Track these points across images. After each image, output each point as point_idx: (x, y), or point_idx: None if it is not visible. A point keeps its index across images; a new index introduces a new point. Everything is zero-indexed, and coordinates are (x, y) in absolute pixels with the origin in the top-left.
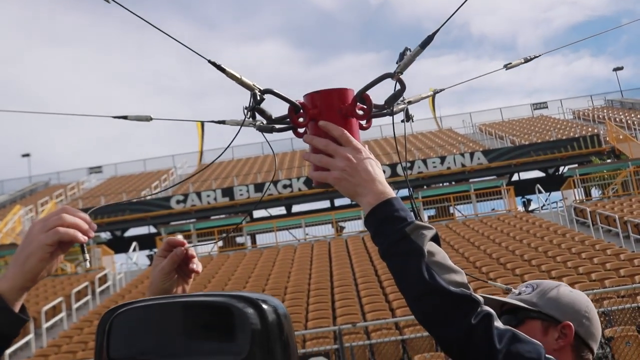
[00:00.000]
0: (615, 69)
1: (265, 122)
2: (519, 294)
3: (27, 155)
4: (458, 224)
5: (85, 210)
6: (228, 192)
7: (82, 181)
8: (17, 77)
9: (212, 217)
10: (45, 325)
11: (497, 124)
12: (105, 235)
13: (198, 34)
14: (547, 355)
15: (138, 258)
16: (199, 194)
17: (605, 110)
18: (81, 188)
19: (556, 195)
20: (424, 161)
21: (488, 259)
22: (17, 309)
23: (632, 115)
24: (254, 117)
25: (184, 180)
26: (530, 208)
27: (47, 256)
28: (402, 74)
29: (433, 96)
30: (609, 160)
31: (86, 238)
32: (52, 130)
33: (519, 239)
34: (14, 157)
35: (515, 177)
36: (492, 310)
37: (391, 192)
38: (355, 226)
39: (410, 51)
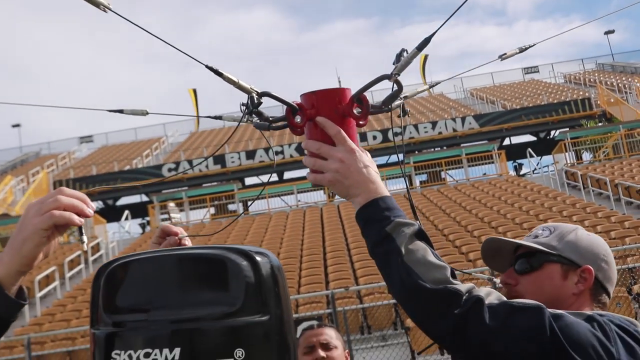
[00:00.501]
0: (607, 32)
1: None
2: (536, 237)
3: (17, 125)
4: (449, 188)
5: (79, 180)
6: (219, 159)
7: (73, 151)
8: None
9: (204, 185)
10: (38, 295)
11: (488, 89)
12: (97, 204)
13: (188, 0)
14: (553, 311)
15: (130, 227)
16: (190, 162)
17: (596, 74)
18: (72, 158)
19: (547, 159)
20: (416, 126)
21: (480, 222)
22: (13, 293)
23: (623, 78)
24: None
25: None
26: (522, 172)
27: (43, 240)
28: (399, 75)
29: (429, 89)
30: (600, 124)
31: (82, 220)
32: (43, 100)
33: (510, 202)
34: (4, 127)
35: (506, 142)
36: (480, 294)
37: (382, 192)
38: None
39: (407, 53)
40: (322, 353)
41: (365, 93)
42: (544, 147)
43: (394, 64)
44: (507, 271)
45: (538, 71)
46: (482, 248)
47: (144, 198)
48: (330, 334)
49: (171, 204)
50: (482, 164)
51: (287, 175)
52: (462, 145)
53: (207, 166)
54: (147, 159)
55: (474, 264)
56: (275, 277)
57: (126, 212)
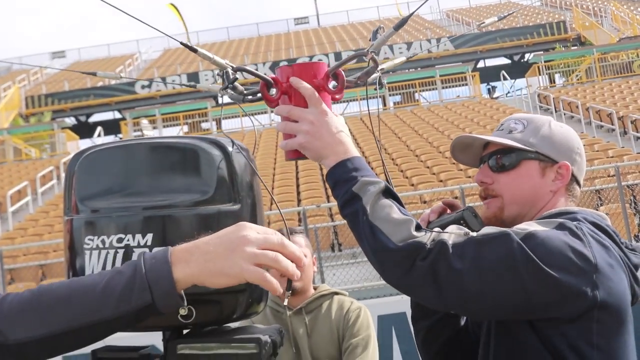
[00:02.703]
0: None
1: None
2: (510, 131)
3: None
4: (423, 109)
5: (51, 96)
6: (193, 77)
7: (45, 66)
8: None
9: (177, 102)
10: (10, 209)
11: (464, 10)
12: (69, 121)
13: None
14: (522, 230)
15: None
16: (164, 79)
17: None
18: (44, 73)
19: (521, 82)
20: (390, 47)
21: None
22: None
23: (599, 2)
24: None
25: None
26: (495, 95)
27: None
28: (375, 53)
29: (406, 61)
30: (574, 47)
31: (298, 276)
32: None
33: (482, 124)
34: None
35: (480, 64)
36: (443, 238)
37: (351, 153)
38: None
39: (383, 31)
40: None
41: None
42: (517, 70)
43: (370, 40)
44: (482, 169)
45: None
46: (452, 144)
47: (117, 115)
48: (300, 242)
49: (144, 121)
50: (456, 85)
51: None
52: (436, 66)
53: (180, 84)
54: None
55: (445, 183)
56: (247, 167)
57: (99, 128)
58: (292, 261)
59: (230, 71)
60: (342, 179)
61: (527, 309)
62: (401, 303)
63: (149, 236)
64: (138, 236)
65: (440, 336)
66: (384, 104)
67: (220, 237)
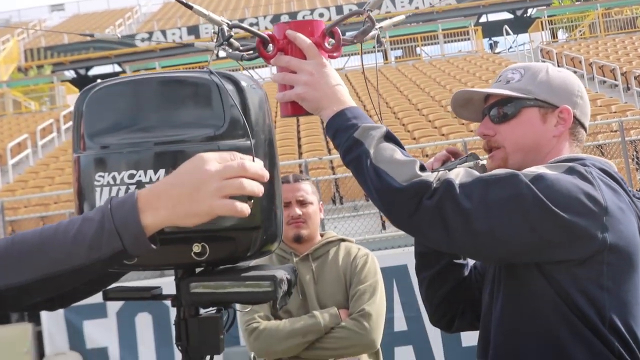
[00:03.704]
0: None
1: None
2: (508, 82)
3: None
4: (424, 64)
5: (50, 49)
6: (194, 30)
7: (44, 19)
8: None
9: (178, 56)
10: (11, 162)
11: None
12: (69, 74)
13: None
14: (531, 172)
15: None
16: (164, 32)
17: None
18: (43, 26)
19: (523, 37)
20: (392, 0)
21: None
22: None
23: None
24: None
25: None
26: (497, 50)
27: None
28: (372, 11)
29: (405, 21)
30: (577, 2)
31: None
32: None
33: (485, 79)
34: None
35: (483, 19)
36: (449, 177)
37: (350, 103)
38: None
39: None
40: (298, 210)
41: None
42: (520, 25)
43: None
44: (484, 121)
45: None
46: (452, 100)
47: (117, 68)
48: (307, 189)
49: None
50: (458, 40)
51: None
52: (438, 21)
53: (180, 37)
54: (119, 28)
55: (447, 137)
56: (260, 102)
57: (98, 82)
58: (256, 180)
59: (225, 28)
60: (342, 127)
61: (536, 251)
62: (402, 256)
63: (161, 172)
64: (150, 172)
65: (444, 286)
66: (385, 58)
67: (182, 177)
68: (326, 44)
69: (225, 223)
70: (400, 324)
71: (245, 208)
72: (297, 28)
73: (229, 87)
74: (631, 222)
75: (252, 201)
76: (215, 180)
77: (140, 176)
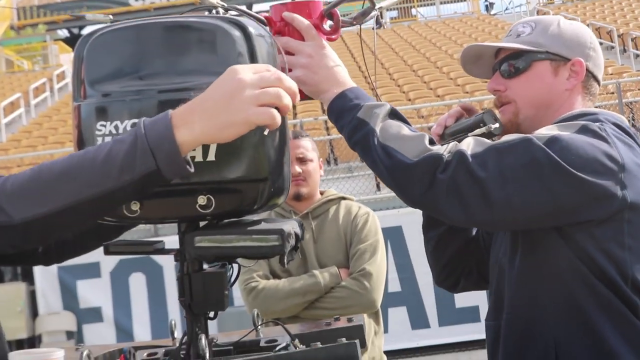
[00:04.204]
0: None
1: None
2: (518, 35)
3: None
4: (420, 25)
5: (44, 7)
6: None
7: None
8: None
9: (172, 15)
10: (3, 121)
11: None
12: (62, 33)
13: None
14: (544, 135)
15: None
16: None
17: None
18: None
19: None
20: None
21: (449, 59)
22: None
23: None
24: None
25: None
26: (493, 12)
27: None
28: None
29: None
30: None
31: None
32: None
33: (481, 40)
34: None
35: None
36: (461, 148)
37: (349, 84)
38: None
39: None
40: (298, 168)
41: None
42: None
43: None
44: (494, 77)
45: None
46: (461, 56)
47: None
48: (306, 146)
49: None
50: (454, 1)
51: (257, 7)
52: None
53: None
54: None
55: (442, 98)
56: (270, 49)
57: (100, 26)
58: (290, 95)
59: (220, 10)
60: (345, 109)
61: (557, 214)
62: (397, 217)
63: None
64: None
65: (451, 245)
66: (381, 17)
67: (215, 89)
68: (324, 26)
69: (232, 174)
70: (394, 285)
71: (279, 118)
72: (294, 9)
73: (236, 33)
74: None
75: (268, 132)
76: (251, 88)
77: None
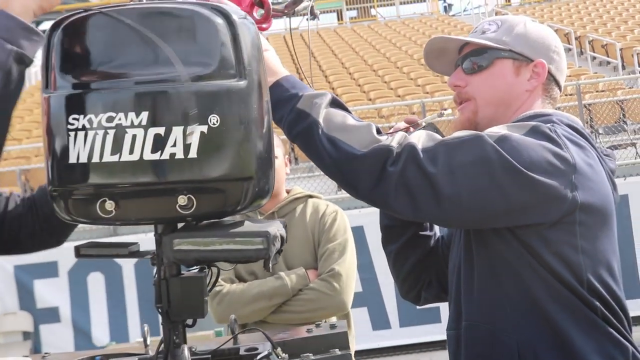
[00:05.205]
0: None
1: None
2: (483, 32)
3: None
4: (380, 25)
5: None
6: None
7: None
8: None
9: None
10: None
11: None
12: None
13: None
14: (495, 133)
15: None
16: None
17: None
18: None
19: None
20: None
21: (409, 59)
22: None
23: None
24: None
25: None
26: (451, 13)
27: None
28: None
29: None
30: None
31: None
32: None
33: None
34: None
35: None
36: (411, 141)
37: (283, 72)
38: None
39: None
40: None
41: None
42: None
43: None
44: (455, 72)
45: None
46: (425, 49)
47: None
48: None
49: None
50: (413, 2)
51: None
52: None
53: None
54: None
55: (403, 98)
56: (253, 39)
57: (71, 12)
58: None
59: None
60: (282, 99)
61: (506, 214)
62: (358, 217)
63: (144, 115)
64: (131, 115)
65: (410, 258)
66: (340, 19)
67: None
68: (255, 14)
69: (214, 173)
70: (355, 286)
71: None
72: None
73: (218, 20)
74: (601, 178)
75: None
76: None
77: (120, 119)
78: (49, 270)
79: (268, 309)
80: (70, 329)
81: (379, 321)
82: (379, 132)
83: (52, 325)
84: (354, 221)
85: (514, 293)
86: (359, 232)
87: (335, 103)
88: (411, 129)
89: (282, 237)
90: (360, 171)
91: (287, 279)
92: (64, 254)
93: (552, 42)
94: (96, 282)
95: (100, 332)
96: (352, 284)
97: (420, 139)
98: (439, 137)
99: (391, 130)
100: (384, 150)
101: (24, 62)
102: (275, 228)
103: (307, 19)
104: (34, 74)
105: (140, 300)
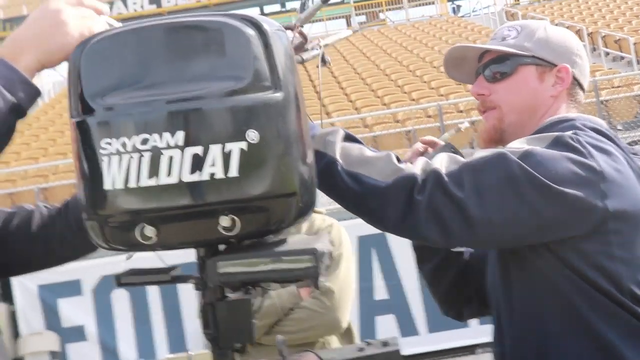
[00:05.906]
0: None
1: None
2: (504, 39)
3: None
4: (390, 29)
5: (9, 21)
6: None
7: None
8: None
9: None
10: None
11: None
12: None
13: None
14: (518, 149)
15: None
16: (124, 1)
17: None
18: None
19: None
20: None
21: (422, 62)
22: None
23: None
24: None
25: None
26: (460, 13)
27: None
28: (302, 27)
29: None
30: None
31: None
32: None
33: (451, 42)
34: None
35: None
36: (435, 167)
37: None
38: None
39: (312, 3)
40: None
41: None
42: None
43: (298, 12)
44: (477, 80)
45: None
46: (444, 59)
47: None
48: None
49: None
50: (422, 4)
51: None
52: None
53: (142, 6)
54: None
55: (417, 102)
56: (286, 49)
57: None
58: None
59: None
60: None
61: (538, 230)
62: None
63: (179, 134)
64: (166, 135)
65: (446, 276)
66: (348, 24)
67: (35, 19)
68: None
69: (257, 190)
70: (380, 293)
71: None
72: None
73: (250, 31)
74: (632, 182)
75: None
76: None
77: (154, 141)
78: (73, 288)
79: (260, 329)
80: (97, 347)
81: (407, 328)
82: (398, 160)
83: (79, 343)
84: (374, 228)
85: (556, 308)
86: (380, 239)
87: (349, 137)
88: (429, 150)
89: (330, 254)
90: (387, 203)
91: (275, 297)
92: (87, 272)
93: (574, 45)
94: (121, 299)
95: (128, 349)
96: (347, 300)
97: (443, 163)
98: (461, 159)
99: (408, 153)
100: (408, 179)
101: (19, 114)
102: (322, 244)
103: (317, 66)
104: (47, 92)
105: (166, 316)
